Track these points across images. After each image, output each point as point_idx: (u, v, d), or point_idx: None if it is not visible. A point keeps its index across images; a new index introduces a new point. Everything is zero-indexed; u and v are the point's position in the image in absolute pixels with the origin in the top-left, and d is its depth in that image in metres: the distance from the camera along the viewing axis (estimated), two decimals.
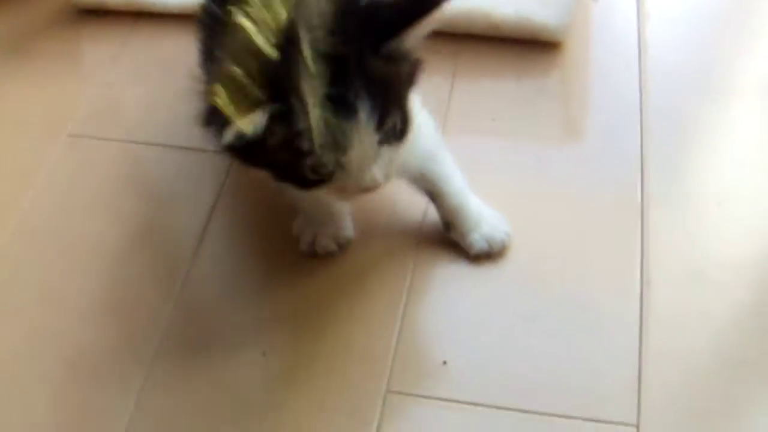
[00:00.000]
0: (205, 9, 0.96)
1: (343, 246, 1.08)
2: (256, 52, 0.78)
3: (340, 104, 0.78)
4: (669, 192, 1.13)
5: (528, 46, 1.31)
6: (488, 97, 1.27)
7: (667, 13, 1.38)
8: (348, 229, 1.08)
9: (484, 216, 1.05)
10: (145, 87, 1.31)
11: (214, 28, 0.89)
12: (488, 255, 1.05)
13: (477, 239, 1.04)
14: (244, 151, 0.80)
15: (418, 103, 0.92)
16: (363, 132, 0.80)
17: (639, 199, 1.12)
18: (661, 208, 1.11)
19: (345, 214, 1.07)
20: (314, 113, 0.76)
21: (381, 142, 0.83)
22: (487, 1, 1.28)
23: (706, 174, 1.17)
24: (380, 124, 0.81)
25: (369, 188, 0.86)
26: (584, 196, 1.14)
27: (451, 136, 1.18)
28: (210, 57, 0.89)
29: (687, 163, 1.18)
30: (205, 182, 1.18)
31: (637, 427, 0.91)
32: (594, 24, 1.35)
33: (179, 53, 1.32)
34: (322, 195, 0.91)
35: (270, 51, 0.78)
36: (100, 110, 1.29)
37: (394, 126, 0.84)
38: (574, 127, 1.26)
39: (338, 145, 0.79)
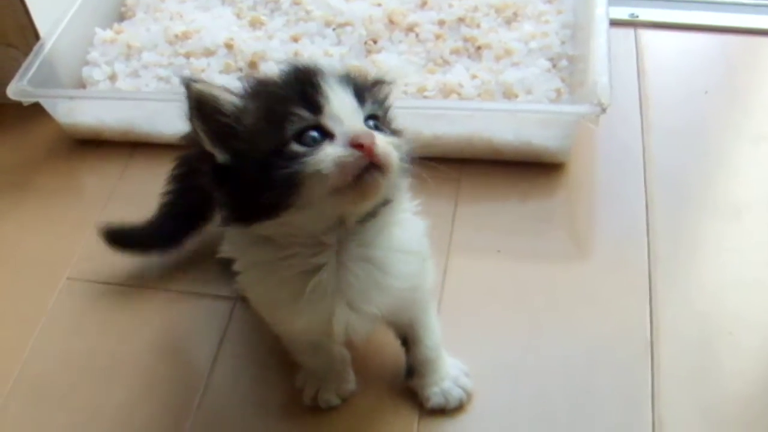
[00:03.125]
0: None
1: (345, 399, 1.06)
2: None
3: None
4: (679, 316, 1.11)
5: (532, 167, 1.30)
6: (493, 221, 1.25)
7: (671, 125, 1.37)
8: (350, 381, 1.06)
9: (450, 372, 1.04)
10: None
11: None
12: (443, 410, 1.03)
13: (436, 393, 1.03)
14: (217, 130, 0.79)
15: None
16: (336, 89, 0.79)
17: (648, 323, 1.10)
18: (671, 338, 1.08)
19: (346, 367, 1.05)
20: None
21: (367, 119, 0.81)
22: (487, 126, 1.26)
23: (716, 295, 1.14)
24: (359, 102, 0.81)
25: (365, 142, 0.76)
26: (590, 324, 1.11)
27: (456, 265, 1.18)
28: None
29: (696, 281, 1.16)
30: (206, 329, 1.15)
31: None
32: (598, 141, 1.34)
33: None
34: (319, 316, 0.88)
35: None
36: (99, 252, 1.26)
37: (375, 116, 0.83)
38: (580, 248, 1.23)
39: (312, 100, 0.78)
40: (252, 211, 0.80)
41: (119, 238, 1.18)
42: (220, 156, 0.79)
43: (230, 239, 0.87)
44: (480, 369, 1.06)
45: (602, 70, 1.22)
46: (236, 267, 0.89)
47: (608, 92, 1.18)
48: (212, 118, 0.79)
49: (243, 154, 0.78)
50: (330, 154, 0.76)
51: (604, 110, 1.17)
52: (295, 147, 0.77)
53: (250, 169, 0.77)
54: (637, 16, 1.55)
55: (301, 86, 0.79)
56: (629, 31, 1.53)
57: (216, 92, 0.79)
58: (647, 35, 1.53)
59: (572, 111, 1.22)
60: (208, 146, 0.79)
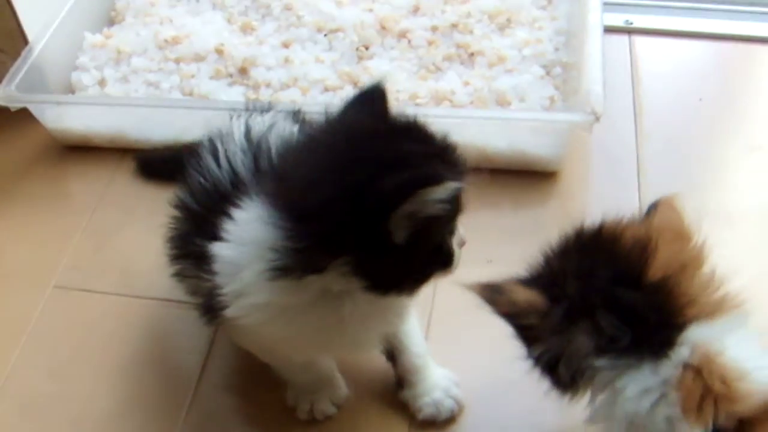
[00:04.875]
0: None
1: (340, 405, 1.05)
2: None
3: None
4: None
5: (524, 175, 1.29)
6: (484, 231, 1.23)
7: (665, 132, 1.36)
8: (341, 386, 1.05)
9: (440, 383, 1.03)
10: (131, 232, 1.28)
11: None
12: (434, 422, 1.02)
13: (428, 403, 1.02)
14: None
15: None
16: None
17: None
18: None
19: (335, 372, 1.04)
20: None
21: None
22: (480, 135, 1.25)
23: None
24: None
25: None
26: None
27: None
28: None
29: None
30: (194, 339, 1.13)
31: None
32: (591, 149, 1.33)
33: (165, 192, 1.31)
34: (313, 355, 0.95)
35: None
36: (86, 260, 1.25)
37: None
38: None
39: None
40: (392, 286, 0.82)
41: (150, 166, 1.19)
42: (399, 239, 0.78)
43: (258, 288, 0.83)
44: (471, 381, 1.05)
45: (596, 78, 1.21)
46: (252, 316, 0.86)
47: (601, 101, 1.17)
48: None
49: (418, 241, 0.78)
50: (458, 255, 0.86)
51: (597, 119, 1.16)
52: (450, 244, 0.84)
53: (420, 255, 0.80)
54: (632, 23, 1.54)
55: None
56: (624, 38, 1.52)
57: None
58: (642, 42, 1.52)
59: (565, 119, 1.21)
60: (401, 238, 0.77)
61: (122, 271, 1.24)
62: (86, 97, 1.43)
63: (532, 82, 1.34)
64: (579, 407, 1.00)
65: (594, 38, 1.28)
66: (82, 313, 1.19)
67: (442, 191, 0.75)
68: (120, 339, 1.15)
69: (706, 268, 0.74)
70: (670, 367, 0.69)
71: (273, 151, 0.94)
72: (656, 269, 0.71)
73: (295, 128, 0.99)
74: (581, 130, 1.19)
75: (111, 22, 1.59)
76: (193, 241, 0.92)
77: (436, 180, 0.75)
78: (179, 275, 1.02)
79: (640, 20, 1.55)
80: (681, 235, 0.75)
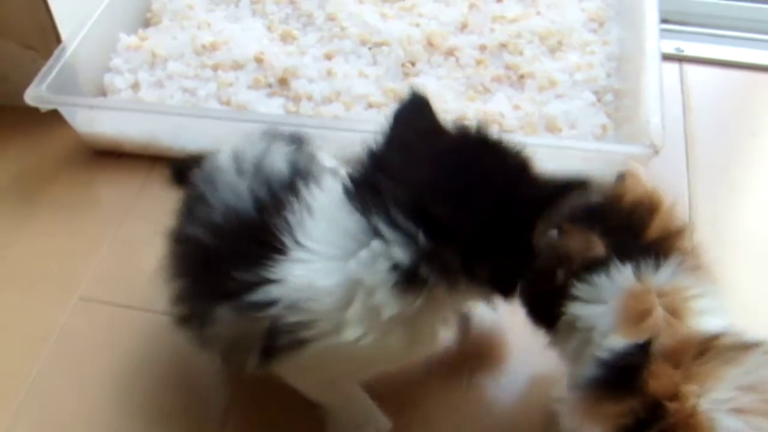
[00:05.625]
0: None
1: None
2: None
3: None
4: None
5: None
6: None
7: (718, 166, 1.32)
8: (383, 420, 1.01)
9: None
10: (160, 244, 1.23)
11: None
12: None
13: None
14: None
15: None
16: None
17: None
18: None
19: (372, 406, 1.00)
20: None
21: None
22: None
23: None
24: None
25: None
26: None
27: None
28: None
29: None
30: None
31: None
32: None
33: None
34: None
35: None
36: (114, 272, 1.21)
37: None
38: None
39: None
40: (514, 290, 0.85)
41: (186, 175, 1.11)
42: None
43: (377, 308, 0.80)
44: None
45: (654, 110, 1.16)
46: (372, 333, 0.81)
47: (661, 133, 1.13)
48: None
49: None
50: None
51: (656, 152, 1.12)
52: None
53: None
54: (683, 51, 1.49)
55: None
56: (674, 66, 1.48)
57: None
58: (693, 71, 1.47)
59: (624, 151, 1.16)
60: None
61: (150, 286, 1.18)
62: (121, 102, 1.39)
63: (584, 109, 1.29)
64: None
65: (652, 67, 1.24)
66: (107, 329, 1.15)
67: (590, 193, 0.80)
68: (146, 358, 1.11)
69: (693, 236, 0.84)
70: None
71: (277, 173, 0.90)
72: (653, 230, 0.82)
73: (292, 149, 0.95)
74: (638, 162, 1.14)
75: (146, 24, 1.54)
76: (230, 277, 0.84)
77: (586, 184, 0.79)
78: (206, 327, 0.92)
79: (691, 48, 1.50)
80: (659, 201, 0.85)
